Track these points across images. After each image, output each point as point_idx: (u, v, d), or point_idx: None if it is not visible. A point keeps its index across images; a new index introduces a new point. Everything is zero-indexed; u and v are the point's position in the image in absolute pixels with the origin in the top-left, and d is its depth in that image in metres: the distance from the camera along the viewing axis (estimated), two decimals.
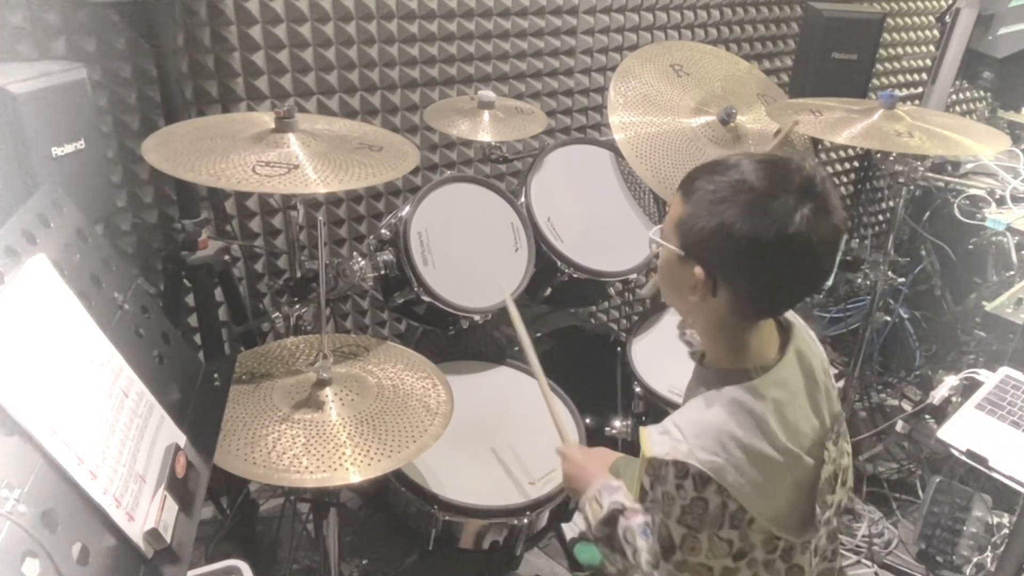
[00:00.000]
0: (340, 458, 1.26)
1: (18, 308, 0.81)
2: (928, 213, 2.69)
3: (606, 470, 1.32)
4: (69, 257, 0.95)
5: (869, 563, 2.27)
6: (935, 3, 3.46)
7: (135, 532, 0.85)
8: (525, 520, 1.61)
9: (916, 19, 3.44)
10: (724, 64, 2.36)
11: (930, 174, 2.59)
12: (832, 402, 1.13)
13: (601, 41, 2.55)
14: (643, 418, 1.99)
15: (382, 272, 1.79)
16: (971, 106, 3.78)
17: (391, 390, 1.45)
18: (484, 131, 1.96)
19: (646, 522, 1.11)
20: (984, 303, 2.16)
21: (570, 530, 2.09)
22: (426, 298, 1.77)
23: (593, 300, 2.73)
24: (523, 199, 2.01)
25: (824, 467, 1.06)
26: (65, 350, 0.86)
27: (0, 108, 1.29)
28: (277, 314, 1.65)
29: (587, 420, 1.86)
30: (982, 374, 1.85)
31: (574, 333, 2.29)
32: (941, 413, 1.91)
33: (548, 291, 2.07)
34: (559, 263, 2.00)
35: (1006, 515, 2.17)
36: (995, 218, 2.43)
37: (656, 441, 1.02)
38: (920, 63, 3.54)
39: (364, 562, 2.01)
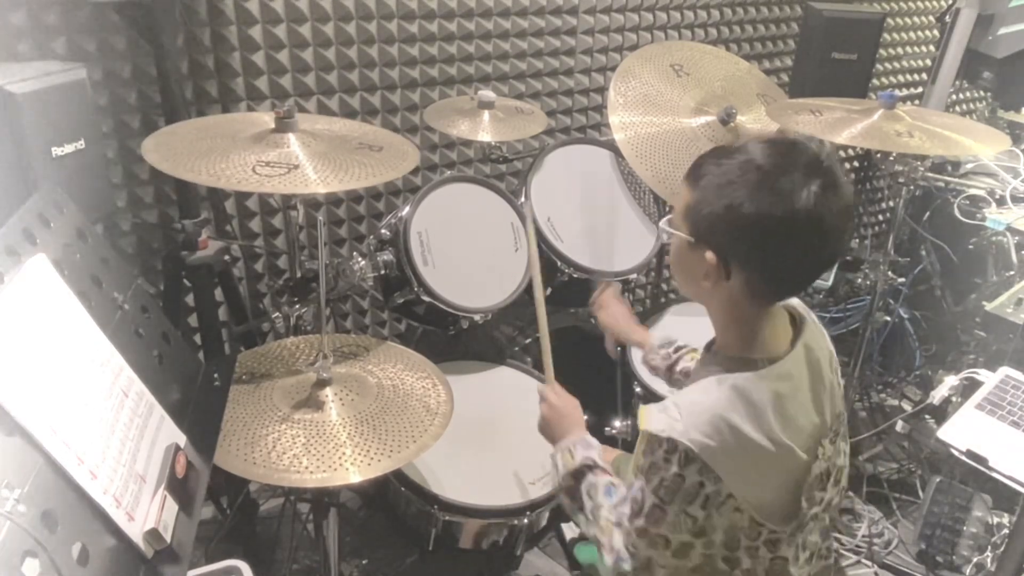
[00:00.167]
0: (340, 458, 1.26)
1: (18, 308, 0.81)
2: (928, 213, 2.69)
3: (582, 423, 1.34)
4: (69, 257, 0.95)
5: (869, 563, 2.27)
6: (935, 3, 3.46)
7: (135, 532, 0.85)
8: (525, 520, 1.61)
9: (916, 19, 3.44)
10: (724, 64, 2.36)
11: (930, 174, 2.60)
12: (836, 401, 1.13)
13: (601, 41, 2.55)
14: None
15: (382, 272, 1.79)
16: (971, 106, 3.78)
17: (391, 390, 1.45)
18: (484, 131, 1.96)
19: (611, 482, 1.17)
20: (984, 303, 2.16)
21: (570, 530, 2.09)
22: (426, 298, 1.77)
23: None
24: (523, 199, 2.01)
25: (816, 463, 1.07)
26: (65, 350, 0.86)
27: (0, 108, 1.29)
28: (277, 314, 1.65)
29: (587, 420, 1.86)
30: (982, 374, 1.85)
31: (574, 333, 2.29)
32: (941, 413, 1.91)
33: (548, 291, 2.07)
34: (559, 263, 2.00)
35: (1006, 515, 2.17)
36: (995, 218, 2.43)
37: (654, 417, 1.04)
38: (920, 63, 3.54)
39: (364, 562, 2.01)
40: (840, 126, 1.96)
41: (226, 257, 1.82)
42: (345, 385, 1.41)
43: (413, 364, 1.54)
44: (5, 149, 1.31)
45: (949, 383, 1.92)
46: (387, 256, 1.79)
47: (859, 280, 2.47)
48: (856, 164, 3.53)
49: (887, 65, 3.40)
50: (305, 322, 1.67)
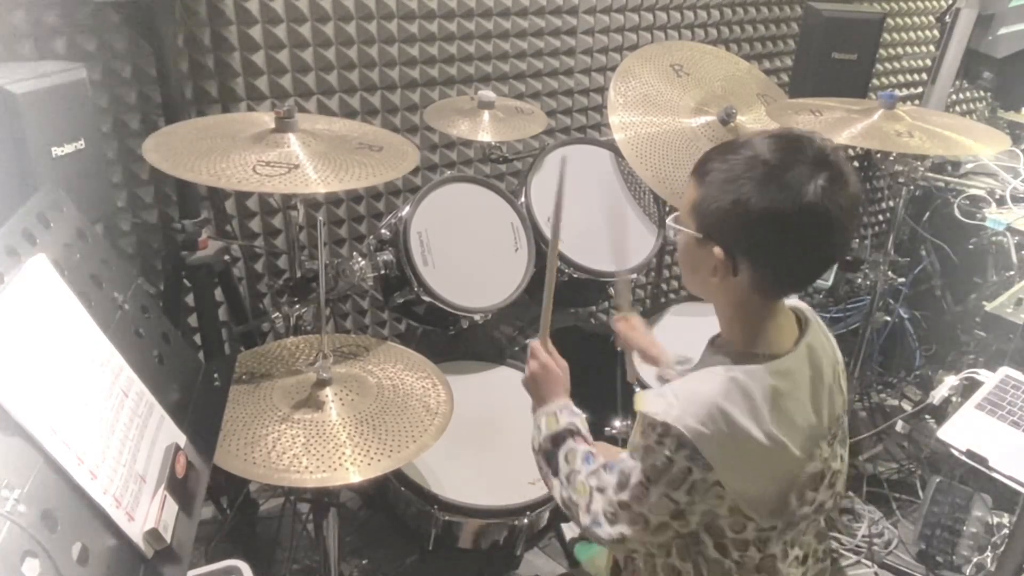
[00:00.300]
0: (340, 458, 1.26)
1: (18, 308, 0.81)
2: (928, 213, 2.69)
3: (568, 390, 1.32)
4: (69, 257, 0.95)
5: (869, 563, 2.27)
6: (935, 3, 3.46)
7: (135, 532, 0.85)
8: (525, 520, 1.61)
9: (916, 19, 3.44)
10: (724, 64, 2.36)
11: (930, 174, 2.60)
12: (835, 404, 1.13)
13: (601, 41, 2.55)
14: None
15: (382, 272, 1.79)
16: (971, 106, 3.78)
17: (391, 390, 1.45)
18: (484, 131, 1.96)
19: (590, 451, 1.18)
20: (984, 303, 2.16)
21: (570, 530, 2.09)
22: (426, 298, 1.77)
23: (593, 300, 2.73)
24: (523, 199, 2.01)
25: (810, 463, 1.07)
26: (65, 350, 0.86)
27: (0, 108, 1.29)
28: (277, 314, 1.65)
29: (587, 418, 1.86)
30: (982, 374, 1.85)
31: (574, 333, 2.29)
32: (941, 413, 1.91)
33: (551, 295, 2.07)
34: (559, 263, 2.00)
35: (1006, 515, 2.17)
36: (995, 218, 2.43)
37: (651, 401, 1.04)
38: (920, 63, 3.54)
39: (364, 562, 2.01)
40: (840, 126, 1.96)
41: (226, 257, 1.82)
42: (345, 385, 1.41)
43: (413, 364, 1.54)
44: (5, 149, 1.31)
45: (949, 383, 1.92)
46: (387, 256, 1.79)
47: (859, 280, 2.47)
48: (856, 164, 3.53)
49: (887, 65, 3.40)
50: (305, 322, 1.67)
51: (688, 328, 2.19)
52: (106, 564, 0.79)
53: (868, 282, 2.39)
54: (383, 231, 1.83)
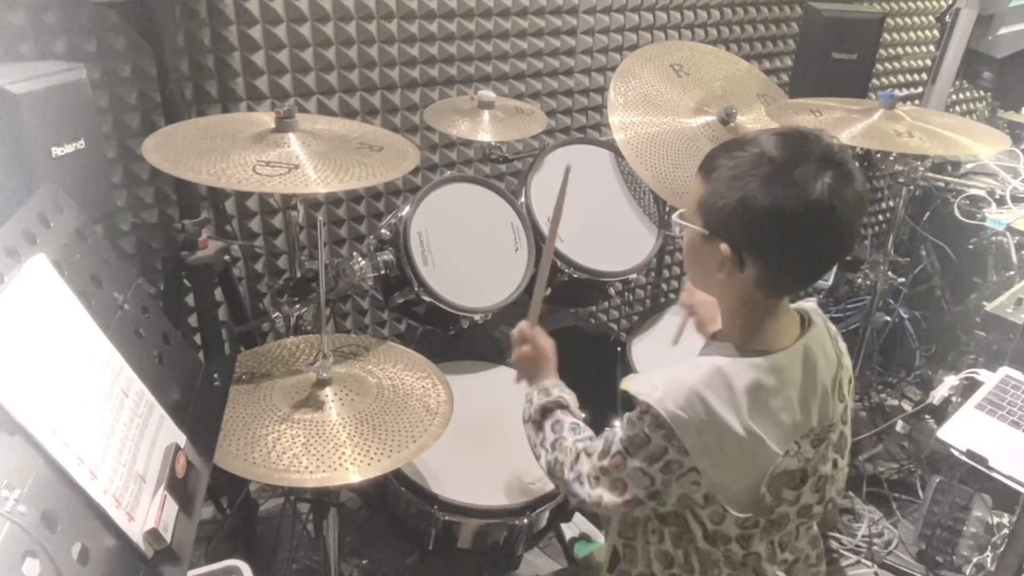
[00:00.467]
0: (340, 458, 1.26)
1: (18, 308, 0.81)
2: (928, 213, 2.69)
3: (553, 368, 1.40)
4: (69, 257, 0.95)
5: (869, 563, 2.27)
6: (935, 3, 3.46)
7: (135, 532, 0.85)
8: (525, 520, 1.61)
9: (916, 19, 3.44)
10: (724, 64, 2.36)
11: (930, 174, 2.59)
12: (829, 410, 1.13)
13: (601, 41, 2.55)
14: None
15: (382, 272, 1.79)
16: (971, 106, 3.78)
17: (391, 390, 1.45)
18: (484, 131, 1.96)
19: (576, 423, 1.27)
20: (984, 303, 2.16)
21: (570, 530, 2.09)
22: (426, 298, 1.77)
23: (593, 300, 2.73)
24: (523, 199, 2.01)
25: (786, 459, 1.07)
26: (65, 350, 0.86)
27: (0, 108, 1.29)
28: (277, 314, 1.65)
29: (586, 417, 1.86)
30: (982, 374, 1.85)
31: (574, 333, 2.29)
32: (941, 413, 1.91)
33: (548, 291, 2.07)
34: (559, 263, 2.00)
35: (1006, 515, 2.17)
36: (995, 218, 2.43)
37: (638, 382, 1.08)
38: (920, 63, 3.54)
39: (364, 562, 2.01)
40: (840, 126, 1.96)
41: (226, 257, 1.82)
42: (345, 385, 1.41)
43: (413, 364, 1.54)
44: (5, 149, 1.31)
45: (949, 383, 1.92)
46: (387, 256, 1.79)
47: (859, 280, 2.47)
48: (856, 164, 3.53)
49: (887, 65, 3.40)
50: (305, 322, 1.67)
51: (688, 328, 2.19)
52: (106, 564, 0.79)
53: (868, 282, 2.39)
54: (383, 231, 1.83)
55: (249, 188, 1.30)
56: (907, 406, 2.80)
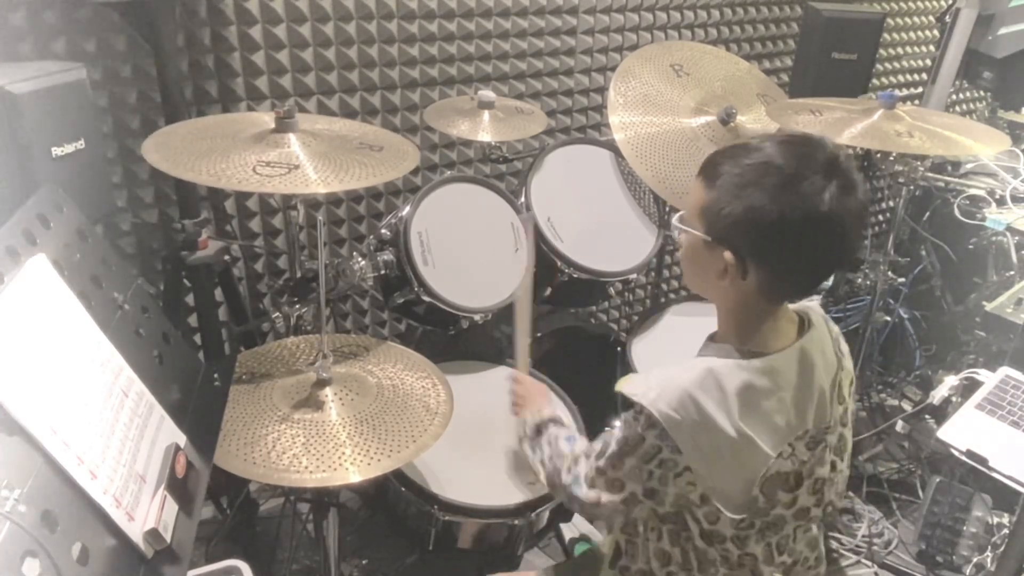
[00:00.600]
0: (340, 458, 1.26)
1: (18, 308, 0.81)
2: (928, 213, 2.69)
3: (553, 403, 1.47)
4: (69, 257, 0.95)
5: (869, 563, 2.27)
6: (935, 3, 3.46)
7: (135, 532, 0.85)
8: (525, 520, 1.61)
9: (916, 19, 3.44)
10: (724, 64, 2.36)
11: (930, 174, 2.59)
12: (827, 413, 1.12)
13: (601, 41, 2.55)
14: None
15: (382, 272, 1.79)
16: (971, 106, 3.78)
17: (391, 390, 1.45)
18: (484, 131, 1.96)
19: (572, 434, 1.29)
20: (984, 303, 2.16)
21: (570, 530, 2.09)
22: (426, 298, 1.77)
23: (593, 300, 2.73)
24: (523, 199, 2.01)
25: (779, 461, 1.07)
26: (65, 350, 0.86)
27: (0, 108, 1.29)
28: (277, 314, 1.65)
29: (586, 419, 1.86)
30: (982, 374, 1.85)
31: (574, 333, 2.29)
32: (941, 413, 1.91)
33: (548, 291, 2.07)
34: (559, 263, 2.00)
35: (1006, 515, 2.17)
36: (995, 218, 2.43)
37: (632, 382, 1.09)
38: (920, 63, 3.54)
39: (364, 562, 2.01)
40: (840, 126, 1.96)
41: (226, 257, 1.82)
42: (345, 385, 1.41)
43: (413, 364, 1.54)
44: (5, 149, 1.31)
45: (949, 383, 1.92)
46: (387, 256, 1.79)
47: (859, 280, 2.46)
48: (856, 164, 3.53)
49: (887, 65, 3.40)
50: (305, 322, 1.67)
51: (688, 328, 2.19)
52: (106, 564, 0.79)
53: (868, 282, 2.39)
54: (383, 231, 1.83)
55: (249, 188, 1.30)
56: (907, 406, 2.80)
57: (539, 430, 1.33)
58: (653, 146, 2.09)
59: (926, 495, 2.25)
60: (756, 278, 1.04)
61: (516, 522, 1.61)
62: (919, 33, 3.48)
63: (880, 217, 3.69)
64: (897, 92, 2.06)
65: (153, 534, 0.86)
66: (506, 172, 2.48)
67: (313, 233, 2.17)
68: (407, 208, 1.81)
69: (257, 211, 2.11)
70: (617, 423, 1.14)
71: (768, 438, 1.05)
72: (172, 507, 0.91)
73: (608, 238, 2.09)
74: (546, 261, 1.99)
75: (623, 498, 1.11)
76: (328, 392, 1.38)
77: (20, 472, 0.73)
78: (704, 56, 2.34)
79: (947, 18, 2.86)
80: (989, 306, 2.09)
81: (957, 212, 2.51)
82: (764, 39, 2.97)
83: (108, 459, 0.85)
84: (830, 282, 2.79)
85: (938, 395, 1.92)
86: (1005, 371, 1.81)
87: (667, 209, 2.15)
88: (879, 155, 2.27)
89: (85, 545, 0.77)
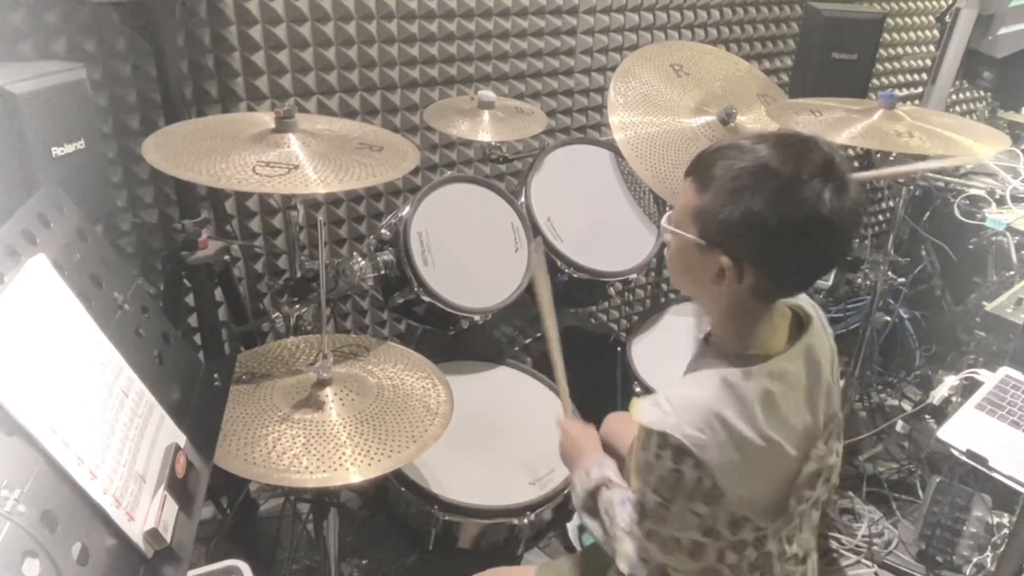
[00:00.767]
0: (340, 458, 1.26)
1: (18, 308, 0.81)
2: (928, 213, 2.69)
3: (599, 448, 1.35)
4: (69, 257, 0.95)
5: (869, 563, 2.27)
6: (935, 3, 3.46)
7: (135, 532, 0.85)
8: (525, 520, 1.61)
9: (916, 19, 3.44)
10: (724, 64, 2.36)
11: (930, 174, 2.59)
12: (832, 402, 1.13)
13: (601, 41, 2.55)
14: None
15: (382, 272, 1.79)
16: (971, 106, 3.78)
17: (391, 390, 1.45)
18: (484, 131, 1.96)
19: (625, 496, 1.16)
20: (984, 303, 2.16)
21: (569, 530, 2.09)
22: (426, 298, 1.77)
23: (593, 300, 2.73)
24: (523, 199, 2.01)
25: (807, 464, 1.06)
26: (65, 350, 0.86)
27: (0, 108, 1.29)
28: (277, 314, 1.65)
29: (587, 419, 1.86)
30: (982, 374, 1.85)
31: (574, 333, 2.29)
32: (941, 413, 1.91)
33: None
34: (559, 263, 2.00)
35: (1006, 515, 2.17)
36: (995, 218, 2.43)
37: (647, 411, 1.03)
38: (920, 63, 3.54)
39: (364, 562, 2.01)
40: (840, 126, 1.96)
41: (226, 257, 1.82)
42: (345, 385, 1.41)
43: (413, 364, 1.54)
44: (5, 149, 1.31)
45: (949, 383, 1.92)
46: (387, 256, 1.79)
47: (859, 280, 2.47)
48: (856, 164, 3.53)
49: (887, 65, 3.40)
50: (305, 322, 1.67)
51: (688, 328, 2.19)
52: (106, 564, 0.79)
53: (868, 282, 2.39)
54: (383, 231, 1.83)
55: (249, 188, 1.30)
56: (907, 406, 2.80)
57: (593, 497, 1.23)
58: (653, 146, 2.09)
59: (926, 495, 2.25)
60: (752, 280, 1.02)
61: (516, 522, 1.61)
62: (919, 33, 3.48)
63: (880, 217, 3.69)
64: (897, 92, 2.06)
65: (153, 534, 0.86)
66: (506, 172, 2.48)
67: (313, 233, 2.17)
68: (407, 208, 1.81)
69: (257, 211, 2.11)
70: (627, 488, 1.10)
71: (792, 440, 1.04)
72: (172, 507, 0.91)
73: (608, 238, 2.10)
74: (546, 261, 1.99)
75: (690, 552, 1.05)
76: (328, 392, 1.38)
77: (20, 472, 0.73)
78: (704, 56, 2.34)
79: (947, 18, 2.86)
80: (989, 306, 2.09)
81: (957, 212, 2.51)
82: (764, 39, 2.97)
83: (108, 459, 0.85)
84: (830, 282, 2.80)
85: (938, 395, 1.92)
86: (1005, 371, 1.81)
87: (667, 209, 2.15)
88: (879, 155, 2.27)
89: (85, 545, 0.77)
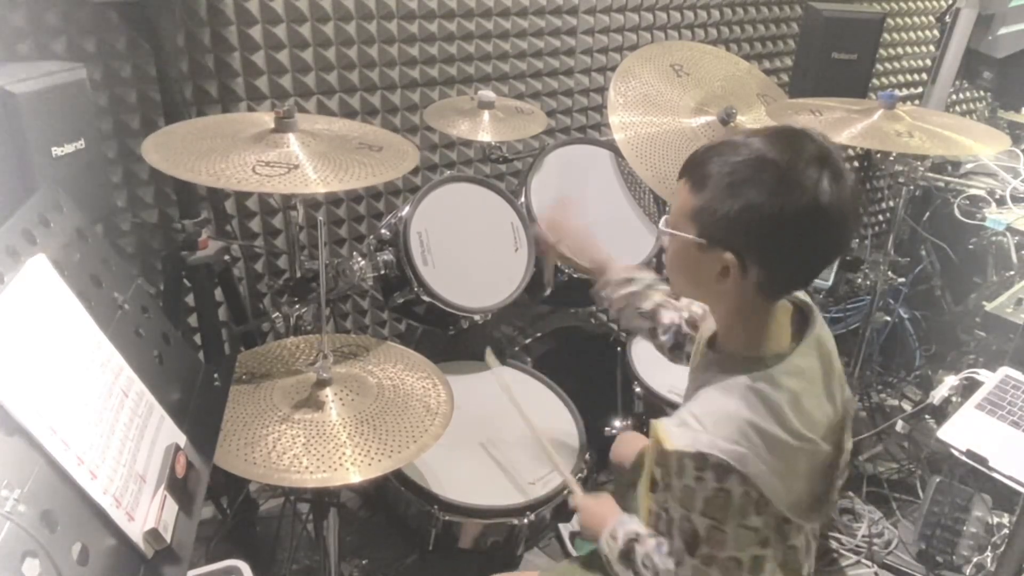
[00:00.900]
0: (340, 458, 1.26)
1: (18, 308, 0.81)
2: (928, 213, 2.69)
3: (616, 508, 1.31)
4: (69, 257, 0.95)
5: (869, 563, 2.27)
6: (935, 3, 3.46)
7: (135, 532, 0.85)
8: (525, 520, 1.61)
9: (916, 19, 3.44)
10: (724, 64, 2.36)
11: (930, 174, 2.60)
12: (844, 388, 1.12)
13: (601, 41, 2.55)
14: (643, 418, 2.00)
15: (382, 272, 1.79)
16: (971, 106, 3.78)
17: (391, 390, 1.45)
18: (484, 131, 1.96)
19: (659, 541, 1.11)
20: (984, 303, 2.16)
21: (569, 527, 2.09)
22: (426, 298, 1.77)
23: (593, 300, 2.72)
24: (523, 199, 2.01)
25: (841, 455, 1.06)
26: (65, 350, 0.86)
27: (0, 108, 1.29)
28: (277, 314, 1.65)
29: (585, 419, 1.86)
30: (982, 374, 1.85)
31: (574, 333, 2.29)
32: (941, 413, 1.91)
33: (548, 291, 2.07)
34: (559, 263, 2.00)
35: (1006, 515, 2.17)
36: (995, 218, 2.43)
37: (675, 434, 1.00)
38: (920, 63, 3.54)
39: (364, 562, 2.01)
40: (840, 126, 1.96)
41: (226, 257, 1.82)
42: (345, 385, 1.41)
43: (413, 364, 1.54)
44: (5, 149, 1.31)
45: (949, 383, 1.92)
46: (387, 256, 1.79)
47: (859, 280, 2.47)
48: (856, 164, 3.53)
49: (887, 65, 3.40)
50: (305, 322, 1.67)
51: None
52: (106, 564, 0.79)
53: (868, 282, 2.39)
54: (383, 231, 1.83)
55: (249, 188, 1.30)
56: (907, 406, 2.80)
57: (627, 557, 1.17)
58: (653, 146, 2.09)
59: (926, 495, 2.25)
60: (757, 276, 1.01)
61: (516, 522, 1.61)
62: (919, 33, 3.48)
63: (880, 217, 3.69)
64: (897, 92, 2.06)
65: (153, 534, 0.86)
66: (506, 172, 2.48)
67: (313, 233, 2.17)
68: (407, 208, 1.81)
69: (257, 211, 2.11)
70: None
71: (823, 435, 1.03)
72: (172, 507, 0.91)
73: (608, 238, 2.09)
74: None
75: (748, 568, 1.02)
76: (328, 392, 1.38)
77: (20, 472, 0.73)
78: (704, 56, 2.34)
79: (947, 18, 2.86)
80: (989, 306, 2.09)
81: (957, 212, 2.51)
82: (764, 39, 2.97)
83: (108, 459, 0.85)
84: (830, 282, 2.79)
85: (938, 395, 1.92)
86: (1005, 371, 1.81)
87: (667, 209, 2.15)
88: (879, 155, 2.27)
89: (85, 545, 0.77)
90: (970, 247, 2.55)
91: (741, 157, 0.99)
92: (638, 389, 1.96)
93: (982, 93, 3.64)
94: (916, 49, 3.51)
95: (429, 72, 2.24)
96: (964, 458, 1.62)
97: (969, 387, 1.86)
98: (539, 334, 2.16)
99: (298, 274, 1.67)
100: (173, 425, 1.01)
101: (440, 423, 1.38)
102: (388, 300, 1.87)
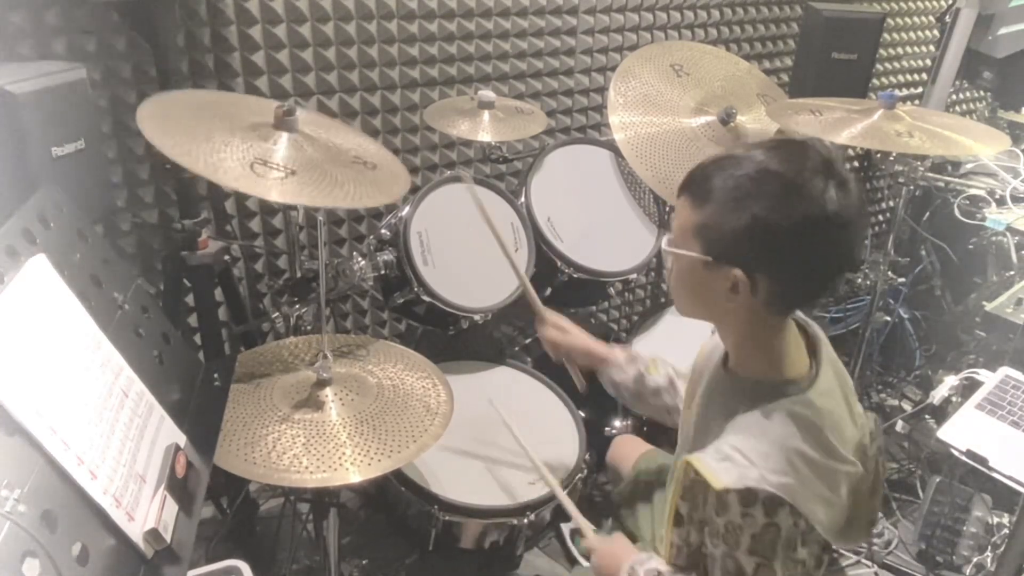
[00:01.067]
0: (340, 458, 1.26)
1: (18, 308, 0.81)
2: (928, 213, 2.69)
3: (631, 548, 1.28)
4: (69, 257, 0.95)
5: (869, 563, 2.27)
6: (935, 3, 3.46)
7: (135, 532, 0.85)
8: (525, 520, 1.61)
9: (916, 19, 3.44)
10: (724, 64, 2.36)
11: (930, 174, 2.59)
12: (856, 404, 1.11)
13: (601, 41, 2.55)
14: (643, 418, 1.99)
15: (382, 272, 1.79)
16: (971, 106, 3.78)
17: (391, 390, 1.45)
18: (484, 131, 1.96)
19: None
20: (984, 303, 2.16)
21: (569, 527, 2.09)
22: (426, 298, 1.77)
23: (593, 300, 2.73)
24: (523, 199, 2.01)
25: (880, 473, 1.06)
26: (65, 350, 0.86)
27: (0, 108, 1.29)
28: (277, 314, 1.66)
29: (584, 417, 1.86)
30: (982, 374, 1.85)
31: None
32: (941, 413, 1.91)
33: (548, 291, 2.07)
34: (559, 263, 2.00)
35: (1006, 515, 2.17)
36: (995, 218, 2.43)
37: (720, 470, 0.96)
38: (920, 63, 3.54)
39: (364, 562, 2.01)
40: (840, 126, 1.96)
41: (226, 257, 1.81)
42: (345, 385, 1.41)
43: (413, 364, 1.54)
44: (5, 149, 1.31)
45: (949, 383, 1.92)
46: (387, 256, 1.79)
47: (859, 280, 2.47)
48: (856, 164, 3.53)
49: (887, 65, 3.40)
50: (305, 322, 1.67)
51: (688, 328, 2.19)
52: (106, 564, 0.79)
53: (868, 282, 2.39)
54: (383, 231, 1.83)
55: (246, 188, 1.26)
56: (907, 406, 2.80)
57: None
58: (653, 146, 2.09)
59: (926, 495, 2.25)
60: (766, 291, 0.98)
61: (516, 522, 1.61)
62: (919, 33, 3.48)
63: (880, 217, 3.69)
64: (897, 92, 2.06)
65: (153, 534, 0.86)
66: (506, 172, 2.48)
67: (313, 233, 2.17)
68: (407, 208, 1.81)
69: (257, 211, 2.11)
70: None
71: (855, 453, 1.03)
72: (172, 507, 0.91)
73: (608, 238, 2.10)
74: (546, 261, 1.99)
75: None
76: (328, 392, 1.38)
77: (20, 472, 0.73)
78: (704, 56, 2.34)
79: (947, 18, 2.86)
80: (989, 306, 2.09)
81: (957, 212, 2.51)
82: (764, 39, 2.97)
83: (108, 459, 0.85)
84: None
85: (938, 395, 1.92)
86: (1005, 371, 1.81)
87: (667, 209, 2.15)
88: (879, 155, 2.27)
89: (85, 545, 0.77)
90: (970, 247, 2.55)
91: (744, 170, 0.97)
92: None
93: (982, 93, 3.64)
94: (916, 49, 3.51)
95: (429, 72, 2.24)
96: (964, 458, 1.62)
97: (969, 387, 1.86)
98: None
99: (298, 274, 1.67)
100: (173, 425, 1.01)
101: (440, 423, 1.38)
102: (388, 300, 1.87)
